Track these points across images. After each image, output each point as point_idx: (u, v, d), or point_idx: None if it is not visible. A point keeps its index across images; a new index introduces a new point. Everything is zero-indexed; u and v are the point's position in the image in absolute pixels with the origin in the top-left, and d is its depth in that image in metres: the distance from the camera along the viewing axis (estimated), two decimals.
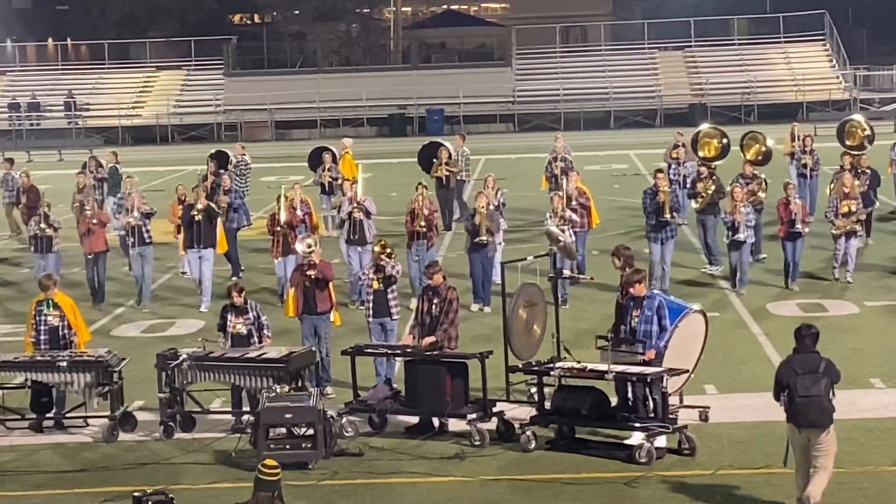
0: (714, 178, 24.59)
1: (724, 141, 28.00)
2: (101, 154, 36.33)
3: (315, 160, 31.75)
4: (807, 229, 22.99)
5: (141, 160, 47.51)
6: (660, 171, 24.23)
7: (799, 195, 29.77)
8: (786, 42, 65.48)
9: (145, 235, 23.59)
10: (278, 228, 22.73)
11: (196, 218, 23.31)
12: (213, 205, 23.84)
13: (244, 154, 33.28)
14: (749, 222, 22.41)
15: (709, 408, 15.80)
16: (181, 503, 11.75)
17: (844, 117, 35.21)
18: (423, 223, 22.73)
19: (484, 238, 22.06)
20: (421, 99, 61.72)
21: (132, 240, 23.59)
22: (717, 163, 26.93)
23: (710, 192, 24.08)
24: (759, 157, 28.63)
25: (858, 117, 30.69)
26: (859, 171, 26.44)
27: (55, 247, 24.08)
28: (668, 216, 22.45)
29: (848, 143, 29.93)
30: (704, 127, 30.39)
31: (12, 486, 14.43)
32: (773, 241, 24.91)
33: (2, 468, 15.13)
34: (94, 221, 23.77)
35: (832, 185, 25.38)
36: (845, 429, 14.89)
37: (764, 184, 24.91)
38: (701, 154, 27.90)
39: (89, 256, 23.88)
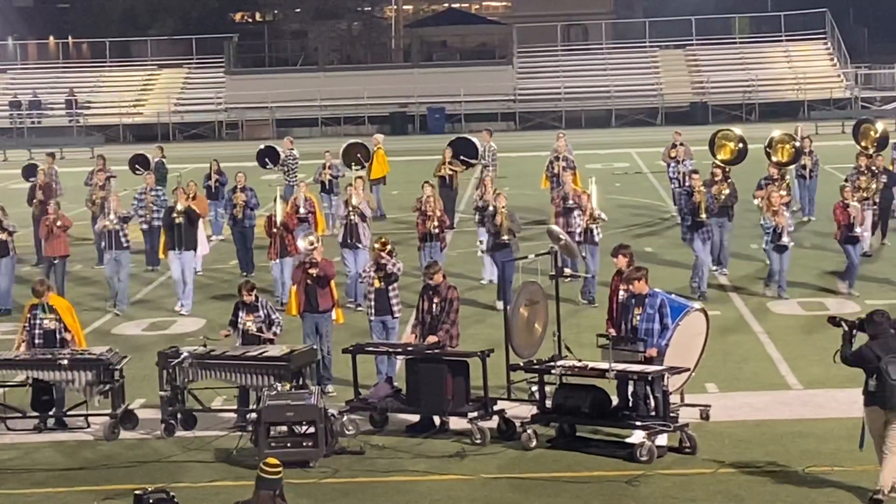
0: (728, 181, 24.44)
1: (741, 145, 27.78)
2: (103, 150, 36.23)
3: (346, 157, 31.98)
4: (866, 233, 22.84)
5: None
6: (695, 171, 24.18)
7: (799, 196, 29.93)
8: (787, 40, 65.45)
9: (122, 239, 22.91)
10: (275, 230, 22.66)
11: (176, 220, 23.08)
12: (193, 207, 23.61)
13: (293, 149, 33.60)
14: (790, 227, 22.17)
15: (710, 406, 15.79)
16: (182, 501, 11.75)
17: (864, 117, 35.11)
18: (435, 224, 22.70)
19: (506, 238, 21.99)
20: (422, 97, 61.70)
21: (106, 243, 22.99)
22: (729, 166, 26.72)
23: (723, 195, 23.94)
24: (790, 158, 28.39)
25: (880, 125, 30.49)
26: (876, 172, 26.35)
27: (11, 251, 23.38)
28: (703, 216, 22.32)
29: (862, 143, 29.75)
30: (735, 131, 29.81)
31: (13, 484, 14.42)
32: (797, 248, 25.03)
33: (2, 465, 15.13)
34: (58, 224, 23.19)
35: (846, 184, 25.36)
36: (845, 427, 14.90)
37: (787, 187, 24.76)
38: (718, 157, 27.73)
39: (55, 261, 23.36)
